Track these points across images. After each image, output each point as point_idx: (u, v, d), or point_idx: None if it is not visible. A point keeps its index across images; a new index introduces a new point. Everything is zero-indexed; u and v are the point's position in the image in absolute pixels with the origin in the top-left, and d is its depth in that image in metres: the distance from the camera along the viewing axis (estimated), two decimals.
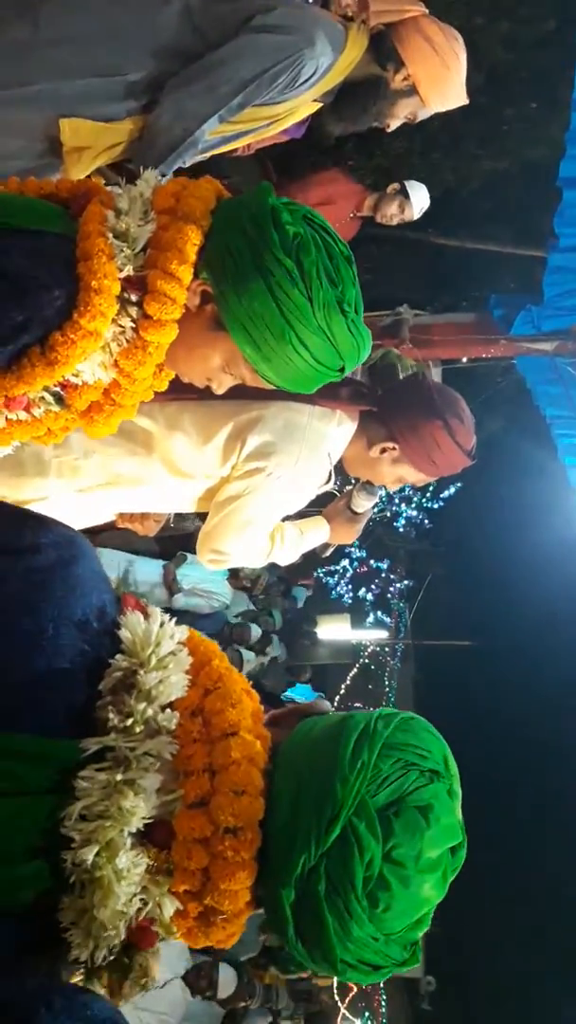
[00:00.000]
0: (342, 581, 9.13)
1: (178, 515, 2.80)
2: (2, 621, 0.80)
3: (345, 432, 1.82)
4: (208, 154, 2.03)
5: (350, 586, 9.16)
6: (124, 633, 0.86)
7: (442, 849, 0.82)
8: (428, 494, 7.83)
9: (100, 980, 0.80)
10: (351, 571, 9.01)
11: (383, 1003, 9.07)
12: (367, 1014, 8.48)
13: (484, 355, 4.81)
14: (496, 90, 5.80)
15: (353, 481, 2.00)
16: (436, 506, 8.04)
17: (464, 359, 4.93)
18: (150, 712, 0.83)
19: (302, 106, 2.01)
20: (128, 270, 1.15)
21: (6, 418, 1.17)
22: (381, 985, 9.28)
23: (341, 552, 8.50)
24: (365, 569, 9.02)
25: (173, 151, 1.83)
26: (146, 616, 0.90)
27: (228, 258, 1.14)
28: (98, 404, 1.22)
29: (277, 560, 1.92)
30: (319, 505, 1.99)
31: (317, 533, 2.01)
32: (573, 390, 4.43)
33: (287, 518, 1.89)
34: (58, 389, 1.17)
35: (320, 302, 1.12)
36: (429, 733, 0.88)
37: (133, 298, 1.16)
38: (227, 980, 4.27)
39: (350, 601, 9.14)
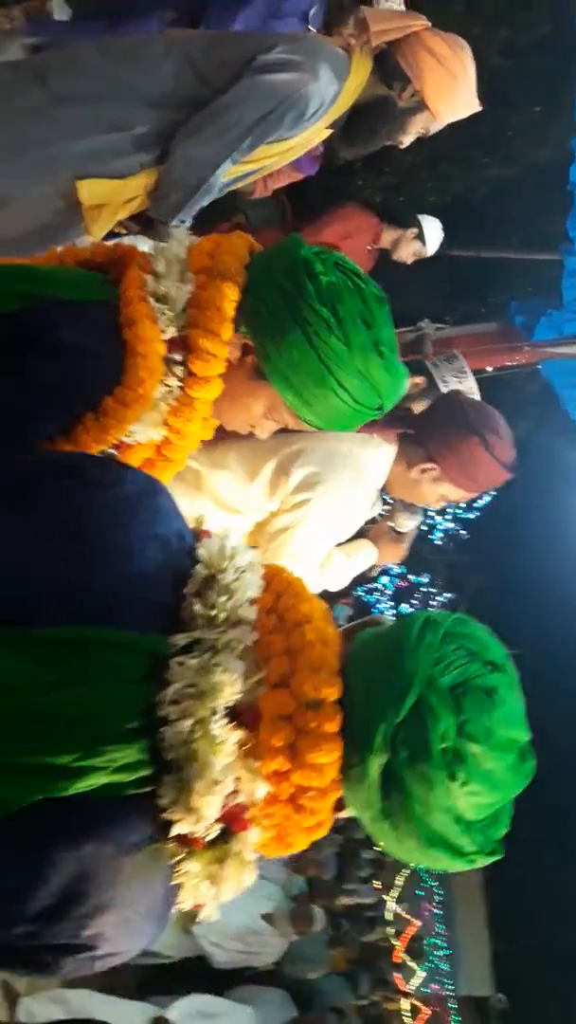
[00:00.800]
0: (383, 598, 9.11)
1: None
2: (98, 536, 0.89)
3: (386, 455, 1.85)
4: (225, 191, 2.07)
5: (391, 603, 9.14)
6: (201, 551, 0.94)
7: (511, 733, 0.86)
8: (462, 505, 7.81)
9: (200, 861, 0.84)
10: (391, 587, 8.99)
11: (455, 1023, 8.93)
12: None
13: (509, 363, 4.82)
14: (498, 97, 5.84)
15: (395, 503, 2.03)
16: (472, 516, 8.02)
17: (489, 368, 4.93)
18: (230, 604, 0.90)
19: (315, 134, 2.05)
20: (171, 332, 1.19)
21: None
22: (452, 1004, 9.14)
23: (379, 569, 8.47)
24: (406, 584, 9.00)
25: (190, 199, 1.86)
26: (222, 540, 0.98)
27: (265, 311, 1.20)
28: (151, 460, 1.27)
29: (328, 586, 1.95)
30: (364, 529, 2.02)
31: (365, 555, 2.04)
32: None
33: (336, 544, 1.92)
34: (112, 451, 1.21)
35: (357, 346, 1.17)
36: (487, 632, 0.93)
37: (177, 358, 1.20)
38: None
39: (392, 618, 9.10)
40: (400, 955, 7.20)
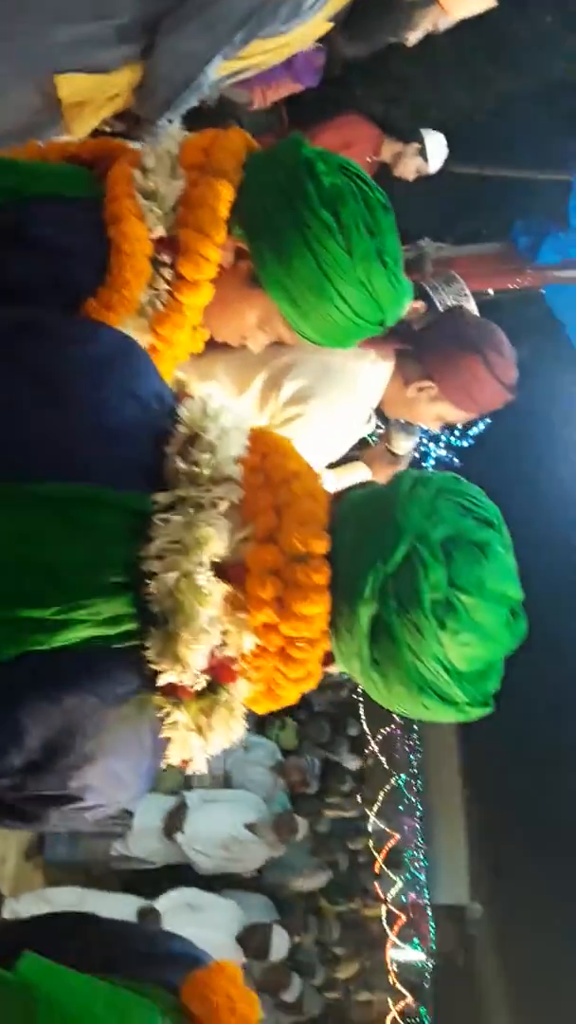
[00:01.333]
0: None
1: None
2: (73, 390, 0.87)
3: (381, 371, 1.80)
4: (218, 89, 1.95)
5: None
6: (183, 411, 0.92)
7: (503, 587, 0.85)
8: (456, 432, 7.76)
9: (188, 711, 0.86)
10: None
11: (432, 930, 9.36)
12: (415, 940, 8.75)
13: (511, 286, 4.71)
14: (507, 4, 5.57)
15: (390, 423, 1.99)
16: (465, 444, 7.98)
17: (490, 291, 4.82)
18: (214, 461, 0.89)
19: (314, 29, 1.92)
20: (159, 230, 1.13)
21: None
22: (429, 912, 9.56)
23: None
24: None
25: (177, 96, 1.74)
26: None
27: (262, 213, 1.13)
28: None
29: None
30: (357, 451, 1.98)
31: (359, 477, 2.01)
32: None
33: (328, 465, 1.88)
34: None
35: (360, 254, 1.10)
36: (482, 493, 0.92)
37: (166, 259, 1.14)
38: (280, 944, 4.38)
39: None
40: (380, 865, 7.49)
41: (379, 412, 1.89)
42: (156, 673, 0.83)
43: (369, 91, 5.49)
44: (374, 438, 2.02)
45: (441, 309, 2.05)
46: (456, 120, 6.19)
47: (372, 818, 7.47)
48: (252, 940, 4.22)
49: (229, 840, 4.36)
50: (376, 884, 7.38)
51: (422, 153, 3.96)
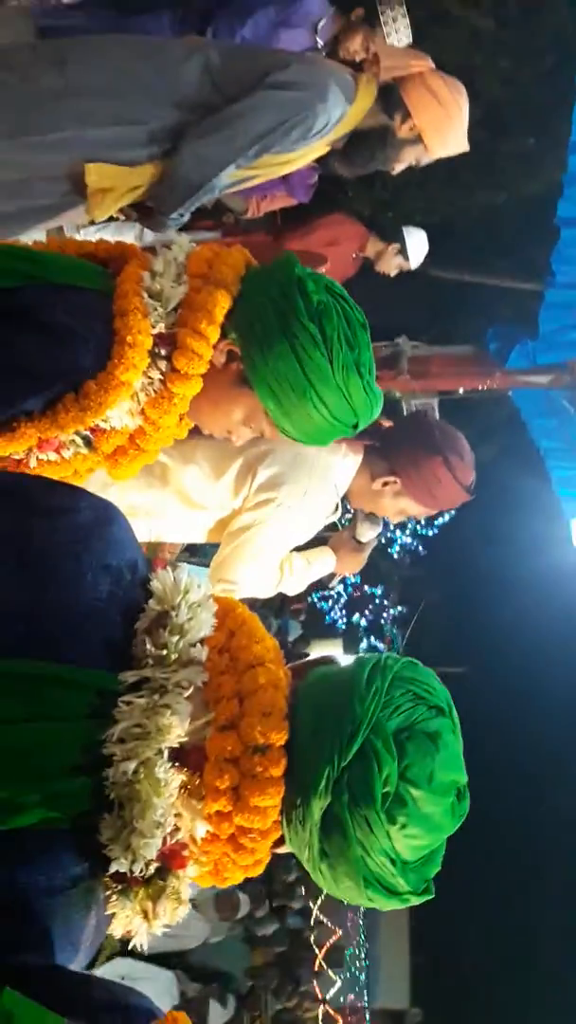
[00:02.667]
0: (336, 606, 9.17)
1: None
2: (48, 565, 0.87)
3: (350, 464, 1.90)
4: (221, 192, 2.13)
5: (344, 611, 9.20)
6: (155, 584, 0.94)
7: (451, 776, 0.88)
8: (423, 521, 7.91)
9: (135, 898, 0.85)
10: (345, 596, 9.06)
11: None
12: None
13: (480, 387, 4.91)
14: (494, 126, 5.95)
15: (357, 512, 2.08)
16: (431, 533, 8.12)
17: (460, 390, 5.02)
18: (182, 644, 0.90)
19: (313, 151, 2.12)
20: (160, 327, 1.25)
21: (37, 458, 1.26)
22: (367, 1018, 9.21)
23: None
24: (359, 594, 9.07)
25: (192, 196, 1.93)
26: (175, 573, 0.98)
27: (256, 321, 1.26)
28: (123, 448, 1.31)
29: (285, 590, 1.99)
30: (325, 535, 2.06)
31: (324, 563, 2.08)
32: (567, 423, 4.53)
33: (296, 549, 1.96)
34: (88, 433, 1.26)
35: (339, 363, 1.24)
36: (433, 676, 0.95)
37: (163, 352, 1.26)
38: (217, 1016, 4.29)
39: (344, 626, 9.19)
40: (320, 963, 7.24)
41: (346, 501, 1.98)
42: (106, 857, 0.82)
43: (359, 195, 5.80)
44: (343, 522, 2.11)
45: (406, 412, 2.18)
46: (439, 227, 6.53)
47: (315, 911, 7.26)
48: (188, 1014, 4.08)
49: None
50: (315, 983, 7.14)
51: (403, 252, 4.19)
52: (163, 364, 1.27)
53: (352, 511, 2.09)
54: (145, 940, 0.88)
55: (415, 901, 0.89)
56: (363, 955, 9.27)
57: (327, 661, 1.02)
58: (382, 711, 0.87)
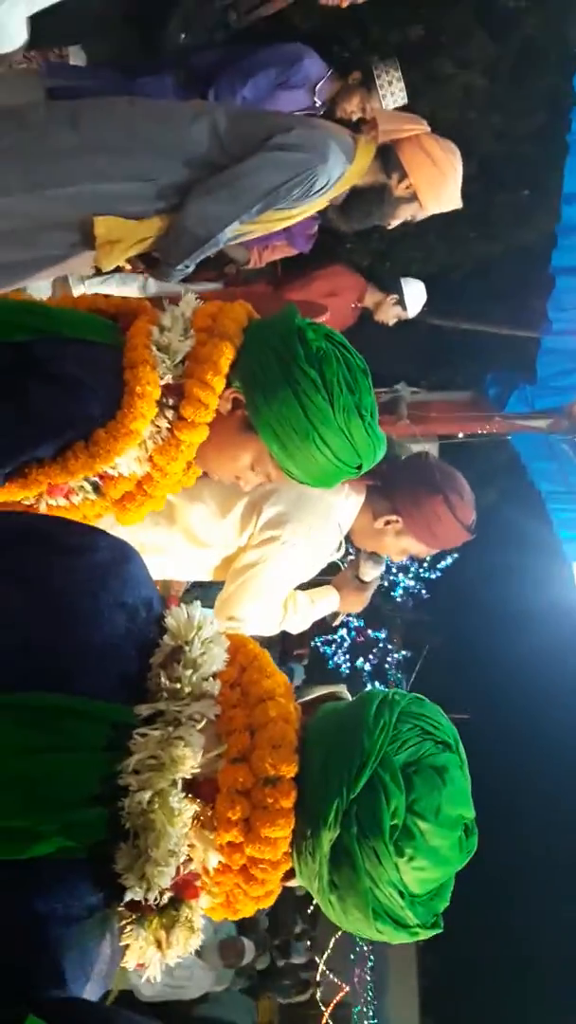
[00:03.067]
0: (339, 651, 9.13)
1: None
2: (67, 602, 0.90)
3: (353, 504, 1.93)
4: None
5: (347, 656, 9.15)
6: (169, 620, 0.97)
7: (458, 810, 0.90)
8: (425, 564, 7.91)
9: (149, 927, 0.87)
10: (348, 641, 9.02)
11: None
12: None
13: (480, 431, 4.97)
14: (488, 178, 6.11)
15: (359, 552, 2.11)
16: (433, 576, 8.12)
17: (460, 435, 5.09)
18: (195, 678, 0.92)
19: (313, 207, 2.22)
20: (168, 378, 1.32)
21: (47, 503, 1.30)
22: None
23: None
24: (363, 639, 9.03)
25: (197, 249, 2.02)
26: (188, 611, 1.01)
27: (259, 370, 1.33)
28: (131, 494, 1.36)
29: (289, 628, 2.01)
30: (328, 576, 2.09)
31: (327, 601, 2.11)
32: (567, 466, 4.58)
33: (299, 587, 1.98)
34: (97, 480, 1.31)
35: (340, 407, 1.29)
36: (440, 712, 0.97)
37: (170, 402, 1.32)
38: None
39: (347, 671, 9.13)
40: (327, 1021, 7.05)
41: (350, 540, 2.01)
42: (122, 886, 0.84)
43: (357, 246, 5.93)
44: (343, 562, 2.14)
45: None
46: (437, 277, 6.66)
47: (321, 966, 7.09)
48: None
49: (174, 964, 4.15)
50: None
51: (400, 303, 4.28)
52: (170, 413, 1.33)
53: (355, 550, 2.12)
54: (158, 973, 0.89)
55: (424, 935, 0.90)
56: (371, 1013, 9.01)
57: (335, 696, 1.06)
58: (390, 745, 0.89)
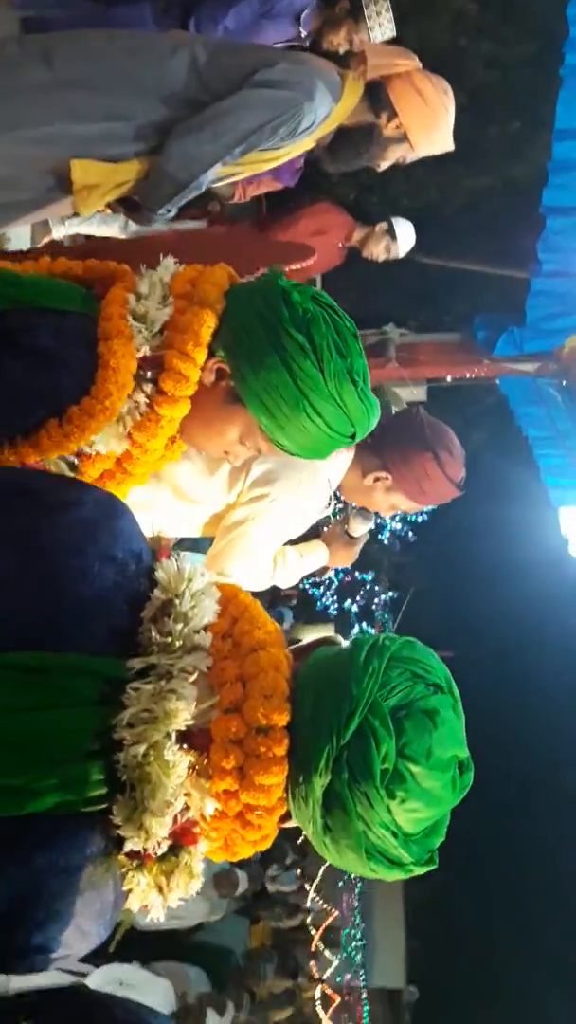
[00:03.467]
0: (327, 592, 9.22)
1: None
2: (55, 560, 0.90)
3: (342, 460, 1.92)
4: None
5: (335, 597, 9.26)
6: (159, 573, 0.97)
7: (450, 752, 0.91)
8: None
9: (150, 874, 0.89)
10: (336, 582, 9.11)
11: (365, 1013, 9.11)
12: None
13: (468, 374, 4.94)
14: (479, 110, 5.95)
15: (350, 506, 2.10)
16: (420, 519, 8.17)
17: (448, 378, 5.05)
18: (186, 631, 0.93)
19: (299, 148, 2.14)
20: (145, 350, 1.24)
21: None
22: (363, 996, 9.33)
23: None
24: (350, 580, 9.12)
25: (179, 193, 1.94)
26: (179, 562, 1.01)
27: (243, 336, 1.24)
28: (110, 472, 1.29)
29: (279, 582, 2.01)
30: (317, 530, 2.09)
31: (317, 556, 2.11)
32: (554, 411, 4.57)
33: (289, 542, 1.98)
34: (72, 458, 1.24)
35: (331, 372, 1.21)
36: (431, 655, 0.97)
37: (149, 375, 1.25)
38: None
39: (335, 612, 9.25)
40: (316, 944, 7.34)
41: (339, 495, 2.01)
42: (121, 836, 0.86)
43: (344, 179, 5.79)
44: (337, 516, 2.14)
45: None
46: (426, 212, 6.53)
47: (311, 892, 7.35)
48: (186, 1021, 4.14)
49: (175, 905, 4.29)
50: (312, 963, 7.23)
51: (390, 232, 4.14)
52: (149, 387, 1.25)
53: (345, 504, 2.11)
54: (161, 914, 0.92)
55: (419, 871, 0.92)
56: (359, 936, 9.39)
57: (328, 642, 1.06)
58: (379, 691, 0.90)
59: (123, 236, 3.66)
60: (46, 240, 3.69)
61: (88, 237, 3.95)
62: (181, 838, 0.92)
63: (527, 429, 4.88)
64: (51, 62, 1.82)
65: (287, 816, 0.96)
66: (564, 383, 4.54)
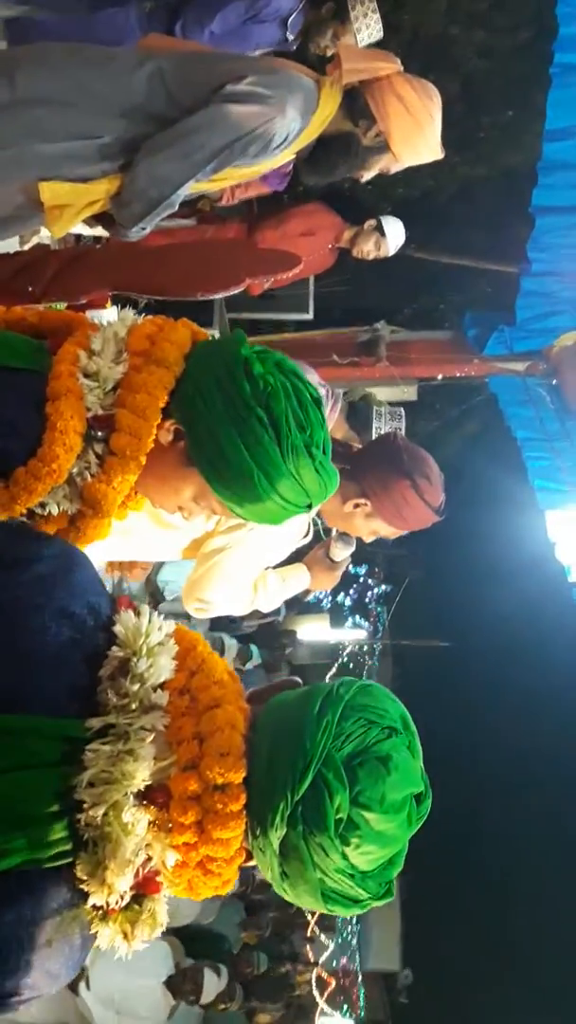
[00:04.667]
0: None
1: None
2: (14, 621, 0.91)
3: None
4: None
5: (328, 591, 9.27)
6: (118, 628, 0.98)
7: (404, 793, 0.93)
8: None
9: (114, 923, 0.92)
10: None
11: (361, 996, 9.23)
12: (345, 1007, 8.63)
13: (458, 373, 4.93)
14: (472, 98, 5.89)
15: (332, 532, 2.11)
16: None
17: (439, 376, 5.04)
18: (142, 691, 0.94)
19: (278, 161, 2.07)
20: (97, 409, 1.20)
21: None
22: (359, 979, 9.44)
23: None
24: (343, 574, 9.10)
25: (151, 212, 1.88)
26: (137, 614, 1.01)
27: (201, 404, 1.21)
28: (64, 531, 1.24)
29: (260, 607, 2.02)
30: (299, 553, 2.10)
31: (298, 580, 2.12)
32: (544, 412, 4.57)
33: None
34: (23, 520, 1.20)
35: (288, 447, 1.18)
36: (386, 696, 0.99)
37: (99, 435, 1.21)
38: (212, 984, 4.38)
39: (328, 605, 9.26)
40: (312, 928, 7.42)
41: (318, 519, 2.01)
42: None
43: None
44: (321, 534, 2.14)
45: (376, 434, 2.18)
46: (420, 202, 6.48)
47: None
48: (183, 981, 4.22)
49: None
50: (308, 948, 7.31)
51: (379, 230, 4.09)
52: (100, 447, 1.21)
53: (328, 530, 2.12)
54: (129, 954, 0.95)
55: (376, 904, 0.94)
56: (355, 920, 9.50)
57: (289, 685, 1.07)
58: (333, 742, 0.92)
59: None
60: (34, 241, 3.67)
61: (78, 238, 3.92)
62: (144, 888, 0.94)
63: (516, 431, 4.88)
64: (13, 80, 1.76)
65: (249, 856, 0.98)
66: (554, 382, 4.54)
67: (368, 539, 2.06)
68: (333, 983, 7.83)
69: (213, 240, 3.63)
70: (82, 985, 3.58)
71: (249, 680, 6.88)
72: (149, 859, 0.94)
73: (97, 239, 3.74)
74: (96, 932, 0.92)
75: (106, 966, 3.71)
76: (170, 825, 0.93)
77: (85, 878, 0.88)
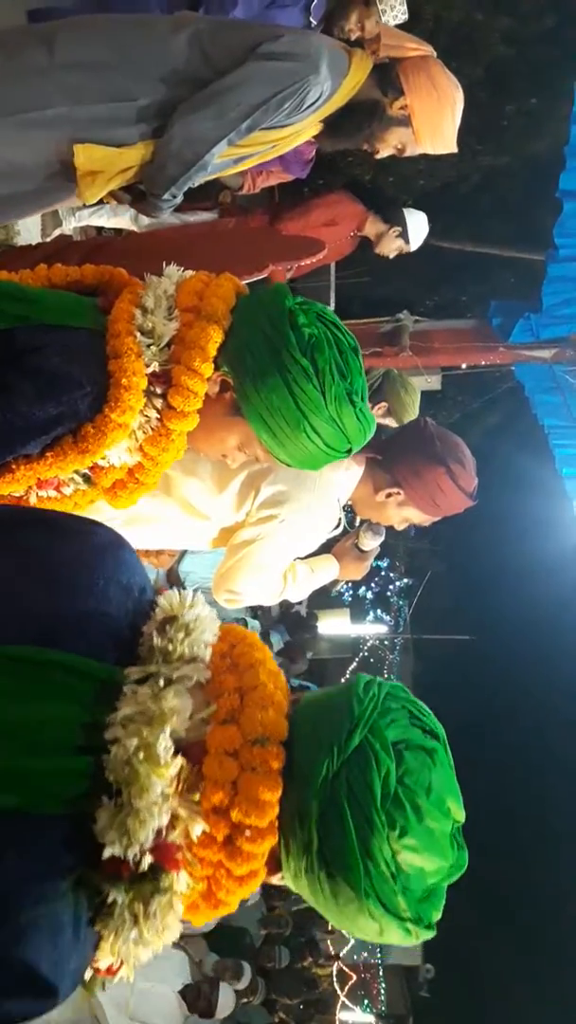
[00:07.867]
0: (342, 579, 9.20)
1: None
2: (63, 573, 0.92)
3: (352, 477, 1.89)
4: (214, 175, 2.07)
5: (349, 584, 9.25)
6: (162, 600, 0.98)
7: (449, 797, 0.88)
8: None
9: (126, 896, 0.83)
10: None
11: (382, 991, 9.24)
12: (366, 1001, 8.65)
13: (483, 362, 4.87)
14: (496, 85, 5.82)
15: (359, 521, 2.08)
16: None
17: (463, 365, 4.99)
18: (188, 641, 0.93)
19: (307, 128, 2.06)
20: (154, 366, 1.26)
21: (36, 495, 1.27)
22: (380, 973, 9.45)
23: None
24: None
25: (184, 174, 1.89)
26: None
27: (248, 355, 1.28)
28: (122, 482, 1.32)
29: (289, 597, 2.00)
30: (326, 545, 2.07)
31: (327, 571, 2.09)
32: (571, 399, 4.50)
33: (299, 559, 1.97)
34: (87, 471, 1.27)
35: (332, 395, 1.26)
36: (427, 710, 0.96)
37: (158, 391, 1.27)
38: (227, 1000, 4.27)
39: (350, 599, 9.24)
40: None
41: (347, 508, 1.98)
42: (99, 848, 0.81)
43: (360, 158, 5.68)
44: (346, 528, 2.11)
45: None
46: (442, 193, 6.41)
47: None
48: (198, 997, 4.16)
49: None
50: (329, 941, 7.32)
51: (403, 235, 4.11)
52: (159, 402, 1.28)
53: (353, 521, 2.09)
54: (131, 973, 0.87)
55: (418, 933, 0.86)
56: None
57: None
58: (380, 717, 0.88)
59: (134, 228, 3.63)
60: (56, 233, 3.66)
61: (99, 230, 3.91)
62: (163, 860, 0.85)
63: (543, 418, 4.82)
64: (51, 46, 1.77)
65: (276, 867, 0.92)
66: None
67: (400, 527, 2.03)
68: (354, 977, 7.84)
69: (236, 229, 3.60)
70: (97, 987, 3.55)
71: None
72: (172, 829, 0.86)
73: (118, 231, 3.74)
74: (100, 927, 0.83)
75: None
76: (201, 785, 0.87)
77: (102, 828, 0.81)
